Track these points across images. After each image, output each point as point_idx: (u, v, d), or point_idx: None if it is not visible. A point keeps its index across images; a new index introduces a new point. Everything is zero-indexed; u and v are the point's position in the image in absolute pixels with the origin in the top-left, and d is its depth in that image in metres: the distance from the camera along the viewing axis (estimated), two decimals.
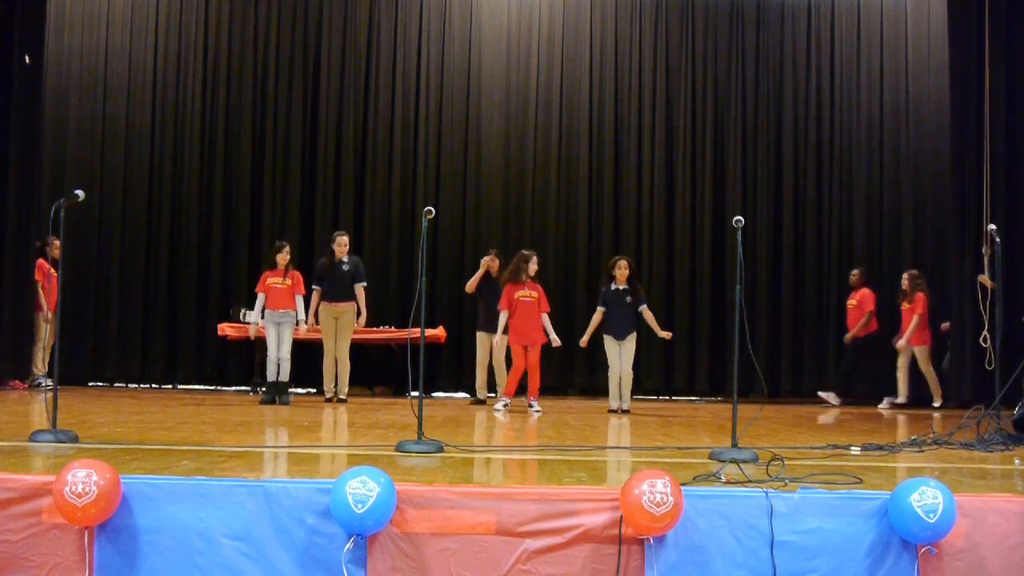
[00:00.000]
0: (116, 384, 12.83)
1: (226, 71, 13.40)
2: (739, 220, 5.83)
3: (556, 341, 9.74)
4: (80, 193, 6.30)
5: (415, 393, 5.62)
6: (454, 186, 13.26)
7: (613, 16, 13.51)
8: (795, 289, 13.24)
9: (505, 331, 9.87)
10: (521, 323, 9.66)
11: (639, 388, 11.70)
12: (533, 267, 9.85)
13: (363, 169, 13.27)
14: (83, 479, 3.76)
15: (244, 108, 13.34)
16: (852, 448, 6.20)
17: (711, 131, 13.42)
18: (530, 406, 9.54)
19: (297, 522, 3.92)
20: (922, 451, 6.20)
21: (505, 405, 9.66)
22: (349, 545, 3.82)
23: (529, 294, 9.75)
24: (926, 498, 3.84)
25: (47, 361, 11.22)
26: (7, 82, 13.14)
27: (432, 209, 6.16)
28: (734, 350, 5.88)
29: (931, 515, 3.81)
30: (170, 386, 12.95)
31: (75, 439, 5.61)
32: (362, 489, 3.74)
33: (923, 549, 3.91)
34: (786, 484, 4.19)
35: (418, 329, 5.71)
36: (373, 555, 3.87)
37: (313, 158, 13.30)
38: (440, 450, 5.51)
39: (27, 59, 13.04)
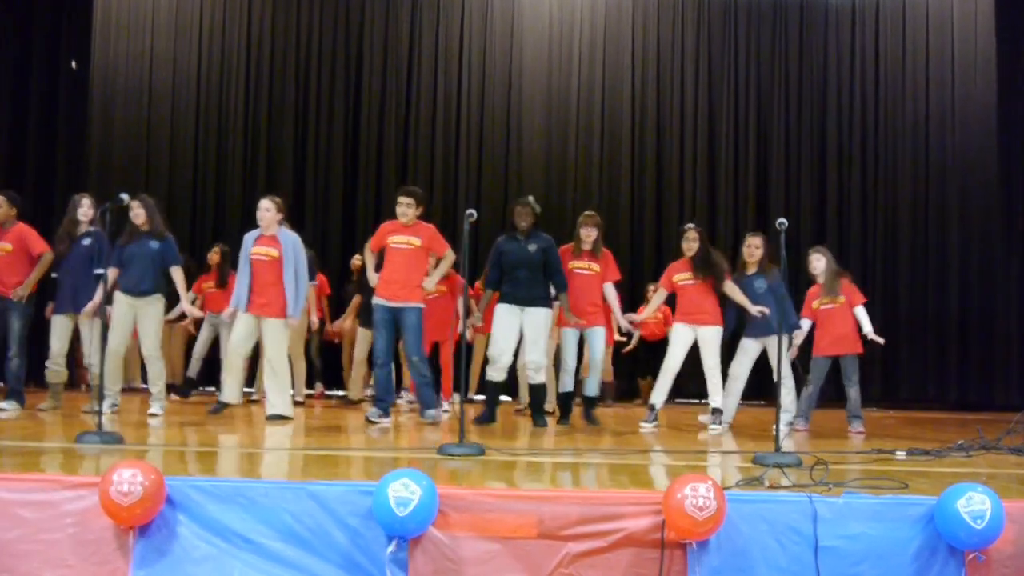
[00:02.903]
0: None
1: (268, 74, 13.50)
2: (783, 222, 5.79)
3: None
4: (125, 197, 6.39)
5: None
6: (495, 189, 13.27)
7: (655, 16, 13.47)
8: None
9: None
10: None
11: (680, 392, 11.66)
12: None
13: (405, 171, 13.31)
14: (128, 479, 3.80)
15: (286, 110, 13.43)
16: (897, 452, 6.14)
17: (754, 133, 13.34)
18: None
19: (340, 524, 3.93)
20: (969, 456, 6.13)
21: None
22: (391, 547, 3.83)
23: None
24: (973, 504, 3.79)
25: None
26: (55, 88, 13.38)
27: (473, 212, 6.16)
28: (779, 354, 5.85)
29: (979, 521, 3.76)
30: (212, 388, 13.04)
31: (120, 440, 5.67)
32: (404, 492, 3.75)
33: (970, 556, 3.87)
34: (830, 489, 4.15)
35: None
36: (415, 558, 3.88)
37: (355, 160, 13.37)
38: (482, 453, 5.52)
39: (74, 65, 13.26)
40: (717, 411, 8.21)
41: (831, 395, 9.51)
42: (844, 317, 8.45)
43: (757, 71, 13.43)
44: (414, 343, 7.84)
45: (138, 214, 8.05)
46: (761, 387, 12.19)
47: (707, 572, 3.84)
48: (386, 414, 7.79)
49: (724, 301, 8.35)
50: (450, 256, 8.15)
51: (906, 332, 12.63)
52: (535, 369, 8.01)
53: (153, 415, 7.89)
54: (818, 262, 8.52)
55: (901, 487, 4.34)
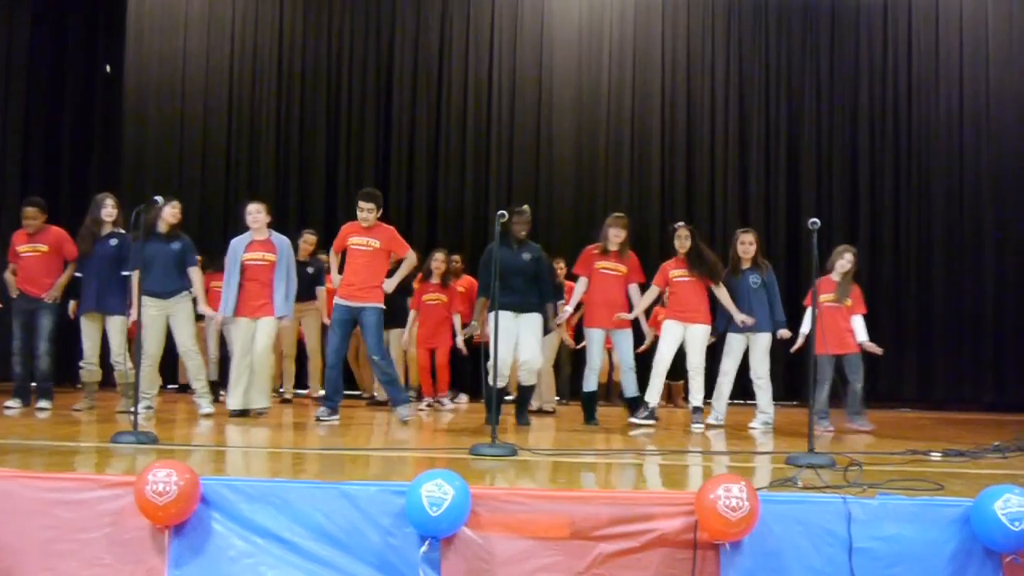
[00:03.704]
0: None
1: (300, 73, 13.55)
2: (815, 222, 5.77)
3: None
4: (160, 199, 6.43)
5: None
6: (526, 190, 13.25)
7: (685, 15, 13.41)
8: (872, 291, 13.02)
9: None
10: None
11: (709, 393, 11.63)
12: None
13: (436, 171, 13.33)
14: (163, 479, 3.83)
15: (318, 109, 13.48)
16: (932, 453, 6.09)
17: (785, 131, 13.25)
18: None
19: (373, 524, 3.95)
20: (1006, 457, 6.07)
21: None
22: (424, 547, 3.84)
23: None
24: (1011, 505, 3.75)
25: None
26: (90, 90, 13.52)
27: (505, 212, 6.20)
28: (810, 354, 5.82)
29: (1016, 523, 3.73)
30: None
31: (155, 440, 5.73)
32: (437, 492, 3.76)
33: (1008, 558, 3.83)
34: (864, 490, 4.13)
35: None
36: (448, 557, 3.89)
37: (387, 159, 13.40)
38: (514, 453, 5.53)
39: (108, 67, 13.39)
40: (698, 410, 8.18)
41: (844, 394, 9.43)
42: (846, 319, 8.46)
43: (788, 70, 13.34)
44: (375, 343, 7.95)
45: (175, 213, 8.15)
46: (792, 387, 12.17)
47: (740, 573, 3.83)
48: (334, 412, 7.91)
49: (715, 300, 8.37)
50: (411, 257, 8.27)
51: (941, 331, 12.53)
52: (528, 370, 8.02)
53: (207, 415, 7.96)
54: (848, 262, 8.48)
55: (936, 488, 4.31)
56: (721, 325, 8.39)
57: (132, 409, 6.25)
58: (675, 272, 8.32)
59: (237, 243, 8.21)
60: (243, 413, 7.99)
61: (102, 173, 13.35)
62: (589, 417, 8.35)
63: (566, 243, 12.23)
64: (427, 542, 3.84)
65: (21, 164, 12.98)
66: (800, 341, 8.49)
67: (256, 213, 8.18)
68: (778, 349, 8.66)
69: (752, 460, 6.00)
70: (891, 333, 12.43)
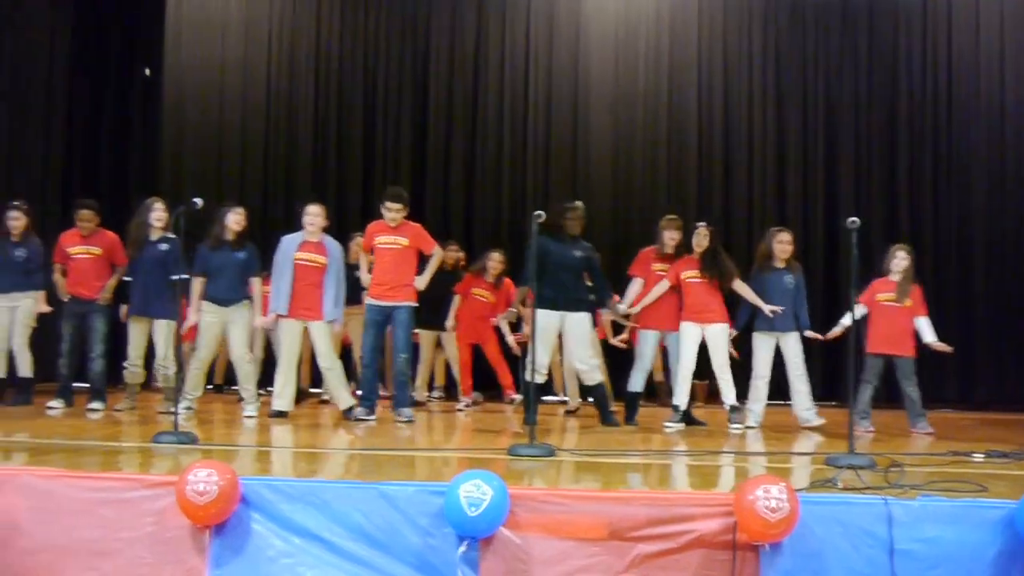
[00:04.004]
0: (232, 387, 13.05)
1: (337, 78, 13.62)
2: (854, 221, 5.73)
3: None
4: (199, 201, 6.48)
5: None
6: (563, 190, 13.22)
7: (721, 17, 13.33)
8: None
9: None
10: None
11: (746, 394, 11.60)
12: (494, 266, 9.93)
13: (472, 174, 13.35)
14: (204, 479, 3.87)
15: (355, 115, 13.54)
16: (975, 455, 6.03)
17: (823, 133, 13.13)
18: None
19: (411, 524, 3.96)
20: None
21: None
22: (462, 548, 3.85)
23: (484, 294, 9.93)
24: None
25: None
26: (128, 95, 13.66)
27: (542, 213, 6.20)
28: (850, 354, 5.78)
29: None
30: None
31: (195, 440, 5.77)
32: (476, 492, 3.78)
33: None
34: (905, 491, 4.10)
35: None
36: (486, 558, 3.90)
37: (423, 163, 13.43)
38: (552, 454, 5.53)
39: (147, 72, 13.53)
40: (735, 409, 8.10)
41: (884, 395, 9.31)
42: (905, 319, 8.32)
43: (826, 71, 13.21)
44: (404, 340, 8.01)
45: (239, 220, 8.21)
46: (832, 387, 12.07)
47: (780, 574, 3.81)
48: (372, 412, 7.95)
49: (734, 296, 8.29)
50: (438, 252, 8.36)
51: (983, 331, 12.37)
52: (589, 370, 7.99)
53: (249, 416, 8.01)
54: (903, 260, 8.39)
55: (979, 490, 4.27)
56: (741, 321, 8.31)
57: (173, 410, 6.33)
58: (687, 273, 8.19)
59: (289, 242, 8.20)
60: (284, 414, 8.02)
61: (141, 176, 13.48)
62: (630, 417, 8.30)
63: (603, 244, 12.16)
64: (465, 542, 3.85)
65: (62, 166, 13.12)
66: (837, 330, 8.34)
67: (315, 216, 8.20)
68: (816, 348, 8.56)
69: (790, 461, 5.96)
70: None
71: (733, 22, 13.28)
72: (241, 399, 8.38)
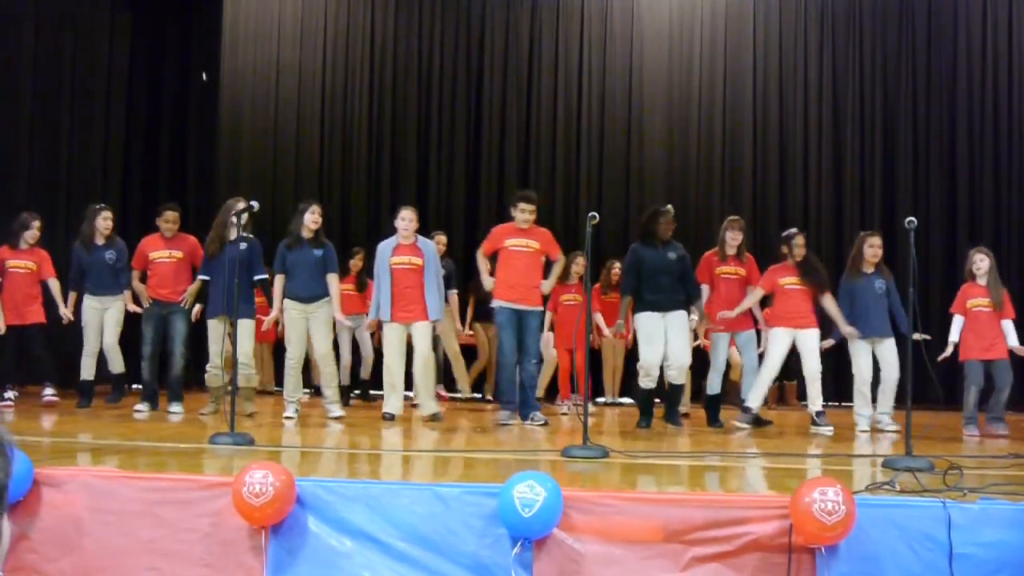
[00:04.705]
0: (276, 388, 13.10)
1: (391, 81, 13.71)
2: (912, 221, 5.68)
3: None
4: (255, 204, 6.54)
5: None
6: (617, 191, 13.21)
7: (777, 15, 13.22)
8: None
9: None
10: None
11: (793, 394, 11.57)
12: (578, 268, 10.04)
13: (527, 175, 13.36)
14: (260, 480, 3.90)
15: (409, 118, 13.61)
16: None
17: (880, 133, 12.98)
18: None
19: (466, 525, 3.98)
20: None
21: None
22: (516, 549, 3.86)
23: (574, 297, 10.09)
24: None
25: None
26: (186, 99, 13.86)
27: (596, 215, 6.21)
28: (907, 355, 5.71)
29: None
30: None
31: (251, 442, 5.82)
32: (529, 493, 3.78)
33: None
34: (965, 494, 4.04)
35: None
36: (540, 559, 3.90)
37: (477, 165, 13.48)
38: (605, 455, 5.52)
39: (204, 77, 13.70)
40: (821, 414, 8.05)
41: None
42: (998, 322, 8.25)
43: (883, 69, 13.05)
44: (535, 346, 8.06)
45: (317, 220, 8.23)
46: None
47: None
48: (515, 415, 7.99)
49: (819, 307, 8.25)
50: (562, 258, 8.39)
51: None
52: (678, 368, 8.00)
53: (336, 418, 8.06)
54: (982, 262, 8.33)
55: None
56: (838, 333, 8.26)
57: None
58: (786, 280, 8.22)
59: (384, 247, 8.29)
60: (392, 417, 8.09)
61: (198, 179, 13.67)
62: (714, 419, 8.33)
63: None
64: (519, 543, 3.86)
65: (122, 170, 13.33)
66: (950, 349, 8.31)
67: (409, 220, 8.28)
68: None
69: (849, 463, 5.91)
70: None
71: (789, 20, 13.16)
72: (324, 396, 8.37)
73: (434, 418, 8.09)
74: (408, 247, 8.23)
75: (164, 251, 8.66)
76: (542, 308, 8.12)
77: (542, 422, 7.88)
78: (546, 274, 8.27)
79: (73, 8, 12.84)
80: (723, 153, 13.09)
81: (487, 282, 8.25)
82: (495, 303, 8.09)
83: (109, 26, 13.10)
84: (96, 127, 12.93)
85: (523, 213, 8.09)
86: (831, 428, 7.91)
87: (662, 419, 8.15)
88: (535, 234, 8.15)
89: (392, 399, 8.16)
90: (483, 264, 8.41)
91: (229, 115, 13.61)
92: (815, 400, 8.10)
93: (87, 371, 8.94)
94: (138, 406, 8.40)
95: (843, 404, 8.56)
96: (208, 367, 8.32)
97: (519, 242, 8.08)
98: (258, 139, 13.67)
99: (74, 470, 4.35)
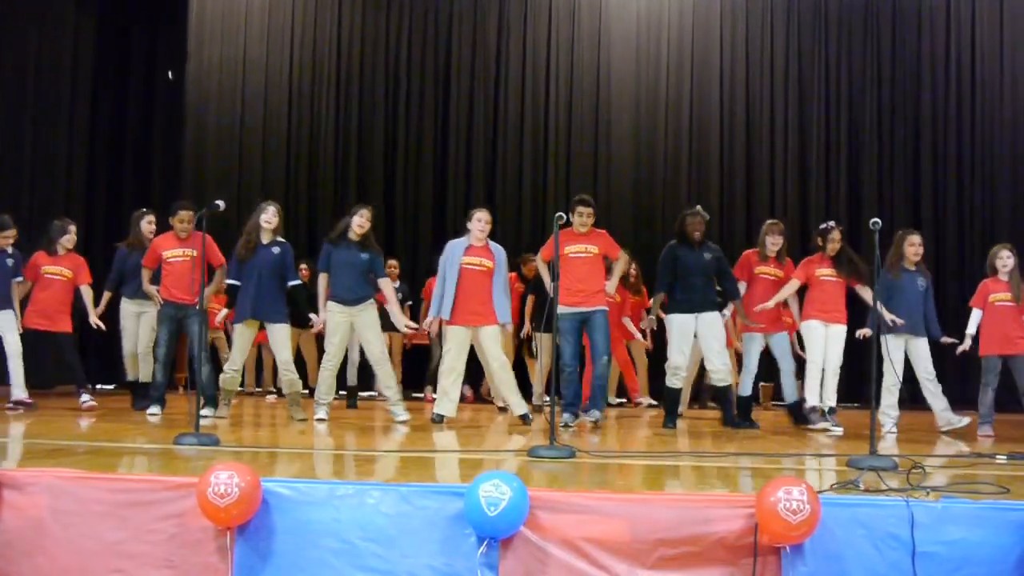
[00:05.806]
0: (256, 389, 13.10)
1: (358, 80, 13.69)
2: (876, 222, 5.72)
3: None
4: (220, 204, 6.49)
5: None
6: (584, 190, 13.21)
7: (743, 16, 13.31)
8: (936, 293, 12.79)
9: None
10: None
11: (769, 396, 11.62)
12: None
13: (494, 173, 13.38)
14: (225, 481, 3.86)
15: (376, 114, 13.60)
16: (998, 457, 6.00)
17: (845, 133, 13.10)
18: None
19: (432, 525, 3.96)
20: None
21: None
22: (482, 548, 3.86)
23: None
24: None
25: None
26: (151, 97, 13.77)
27: (563, 215, 6.21)
28: (871, 356, 5.76)
29: None
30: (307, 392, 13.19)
31: (216, 442, 5.79)
32: (495, 493, 3.77)
33: None
34: (928, 493, 4.07)
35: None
36: (506, 559, 3.89)
37: (444, 164, 13.48)
38: (572, 455, 5.52)
39: (170, 75, 13.62)
40: (833, 410, 8.17)
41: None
42: (1017, 317, 8.35)
43: (848, 72, 13.17)
44: (603, 343, 8.07)
45: (363, 224, 8.09)
46: (851, 387, 11.99)
47: None
48: (576, 417, 8.05)
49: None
50: (623, 257, 8.46)
51: None
52: (722, 371, 8.12)
53: (403, 422, 7.95)
54: (1009, 259, 8.43)
55: (1002, 492, 4.24)
56: (875, 326, 8.27)
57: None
58: (823, 271, 8.28)
59: (455, 246, 8.18)
60: (442, 419, 7.98)
61: (164, 176, 13.60)
62: (744, 419, 8.38)
63: (624, 241, 12.16)
64: (485, 543, 3.86)
65: (87, 167, 13.22)
66: (968, 342, 8.40)
67: (485, 222, 8.18)
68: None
69: (815, 463, 5.94)
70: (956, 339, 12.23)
71: (755, 19, 13.27)
72: (386, 398, 8.31)
73: (524, 419, 8.03)
74: (481, 248, 8.12)
75: (178, 250, 8.44)
76: (606, 308, 8.15)
77: (594, 419, 7.96)
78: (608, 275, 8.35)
79: (40, 8, 12.69)
80: (690, 151, 13.17)
81: (550, 287, 8.02)
82: (561, 309, 7.88)
83: (74, 22, 12.98)
84: (59, 124, 12.81)
85: (580, 216, 8.14)
86: (841, 428, 7.99)
87: (721, 424, 8.33)
88: (594, 238, 8.20)
89: (445, 402, 8.02)
90: (543, 269, 8.41)
91: (195, 112, 13.55)
92: (830, 396, 8.19)
93: (132, 372, 8.97)
94: (152, 409, 8.27)
95: (843, 404, 8.64)
96: (226, 368, 8.15)
97: (578, 248, 8.12)
98: (224, 136, 13.62)
99: (36, 471, 4.30)
